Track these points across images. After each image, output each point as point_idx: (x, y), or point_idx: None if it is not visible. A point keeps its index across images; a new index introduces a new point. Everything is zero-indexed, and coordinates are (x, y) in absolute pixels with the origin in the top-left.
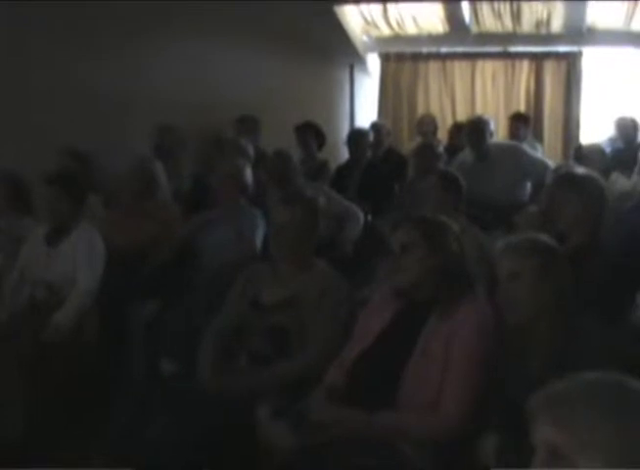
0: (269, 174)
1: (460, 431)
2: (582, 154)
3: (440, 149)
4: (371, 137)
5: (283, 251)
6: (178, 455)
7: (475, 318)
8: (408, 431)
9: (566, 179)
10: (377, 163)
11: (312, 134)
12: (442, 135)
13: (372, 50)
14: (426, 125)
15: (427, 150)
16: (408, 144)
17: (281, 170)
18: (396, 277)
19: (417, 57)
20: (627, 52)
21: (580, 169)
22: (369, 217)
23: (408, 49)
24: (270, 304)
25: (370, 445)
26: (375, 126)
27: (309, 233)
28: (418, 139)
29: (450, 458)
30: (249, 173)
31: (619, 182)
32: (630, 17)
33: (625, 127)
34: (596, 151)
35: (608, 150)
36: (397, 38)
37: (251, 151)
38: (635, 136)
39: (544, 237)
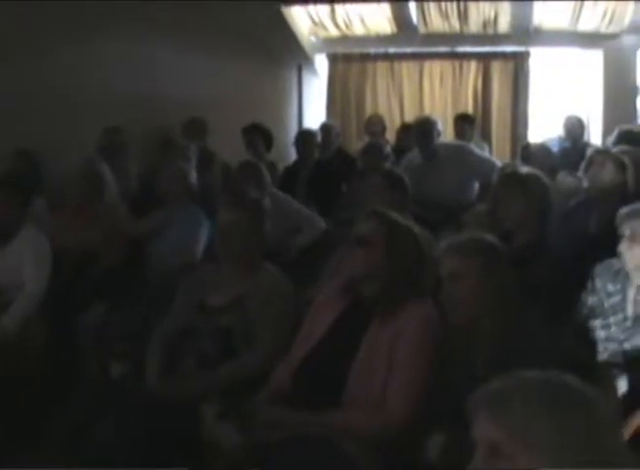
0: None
1: (405, 429)
2: (529, 153)
3: (388, 149)
4: (319, 138)
5: (229, 252)
6: (126, 456)
7: (420, 317)
8: (353, 430)
9: (511, 178)
10: (325, 163)
11: (260, 135)
12: (391, 135)
13: (320, 51)
14: (374, 126)
15: (374, 150)
16: (356, 144)
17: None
18: (349, 269)
19: (365, 57)
20: (574, 52)
21: (525, 168)
22: None
23: (356, 50)
24: (217, 305)
25: (315, 444)
26: (324, 127)
27: (255, 235)
28: (366, 139)
29: (395, 457)
30: (193, 176)
31: (566, 181)
32: (576, 17)
33: (572, 126)
34: (543, 150)
35: (555, 149)
36: (345, 39)
37: (194, 153)
38: (582, 135)
39: (487, 236)
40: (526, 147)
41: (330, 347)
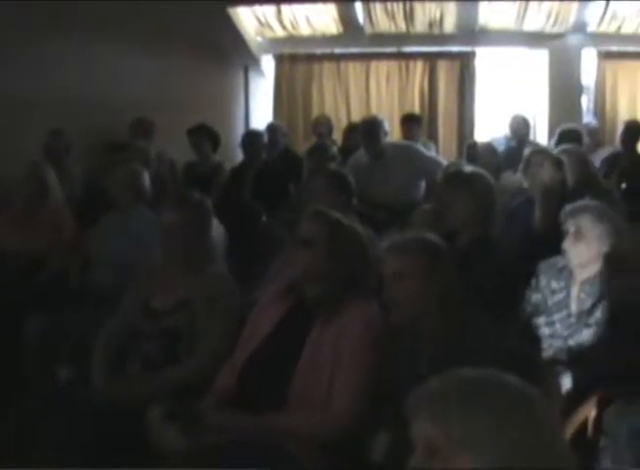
0: None
1: (350, 429)
2: (475, 152)
3: (334, 149)
4: (266, 138)
5: (173, 253)
6: (72, 460)
7: (363, 317)
8: (298, 431)
9: (455, 177)
10: (272, 164)
11: (206, 136)
12: (338, 135)
13: (266, 51)
14: (321, 126)
15: (320, 150)
16: (304, 145)
17: None
18: (292, 271)
19: (311, 58)
20: (519, 52)
21: (469, 167)
22: (264, 218)
23: (302, 50)
24: (161, 308)
25: (259, 446)
26: (270, 127)
27: (200, 235)
28: (313, 140)
29: (341, 457)
30: (146, 178)
31: (511, 180)
32: (522, 17)
33: (518, 126)
34: (488, 149)
35: (501, 148)
36: (291, 39)
37: (148, 154)
38: (527, 134)
39: (430, 236)
40: (472, 146)
41: (274, 348)
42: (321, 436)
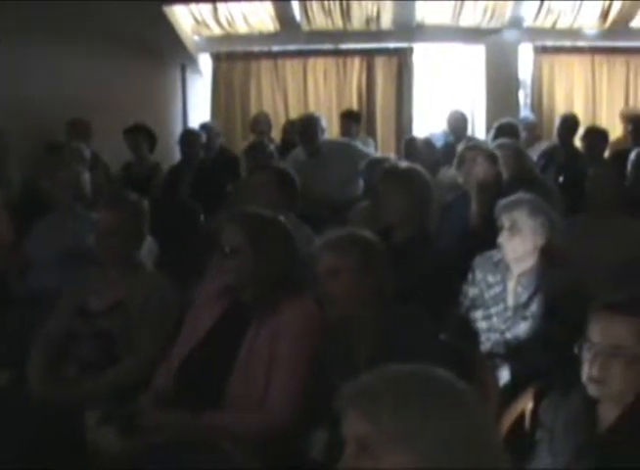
0: None
1: (287, 427)
2: (413, 148)
3: (271, 147)
4: (204, 138)
5: (108, 254)
6: (8, 463)
7: (299, 316)
8: (236, 430)
9: (390, 174)
10: (209, 163)
11: (143, 136)
12: (276, 133)
13: (203, 50)
14: (259, 124)
15: (257, 149)
16: (242, 143)
17: None
18: (223, 277)
19: (248, 56)
20: (456, 47)
21: (404, 163)
22: (202, 218)
23: (239, 48)
24: (97, 309)
25: (195, 446)
26: (205, 127)
27: (135, 236)
28: (252, 138)
29: (279, 455)
30: (87, 179)
31: (449, 175)
32: (458, 12)
33: (456, 121)
34: (426, 145)
35: (440, 143)
36: (228, 37)
37: (87, 155)
38: (465, 129)
39: (364, 232)
40: (410, 142)
41: (211, 347)
42: (258, 434)
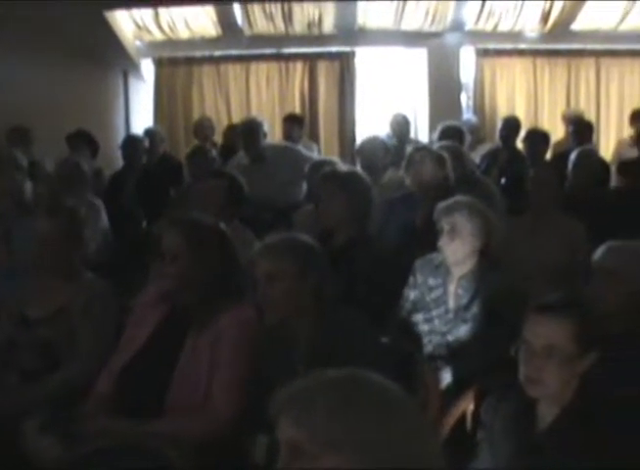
0: None
1: (228, 431)
2: (360, 151)
3: (213, 152)
4: (146, 143)
5: (47, 262)
6: None
7: (238, 320)
8: (177, 435)
9: (329, 177)
10: (152, 168)
11: (85, 142)
12: (220, 138)
13: (145, 55)
14: (202, 129)
15: (199, 154)
16: (186, 148)
17: None
18: (163, 282)
19: (191, 61)
20: (398, 51)
21: (344, 167)
22: (144, 224)
23: (182, 53)
24: (38, 317)
25: (136, 453)
26: (148, 132)
27: (73, 244)
28: (195, 143)
29: (221, 460)
30: (28, 187)
31: (394, 178)
32: (400, 16)
33: (398, 124)
34: (373, 148)
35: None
36: (170, 42)
37: (25, 163)
38: (408, 132)
39: (302, 236)
40: (358, 145)
41: (152, 353)
42: (200, 439)
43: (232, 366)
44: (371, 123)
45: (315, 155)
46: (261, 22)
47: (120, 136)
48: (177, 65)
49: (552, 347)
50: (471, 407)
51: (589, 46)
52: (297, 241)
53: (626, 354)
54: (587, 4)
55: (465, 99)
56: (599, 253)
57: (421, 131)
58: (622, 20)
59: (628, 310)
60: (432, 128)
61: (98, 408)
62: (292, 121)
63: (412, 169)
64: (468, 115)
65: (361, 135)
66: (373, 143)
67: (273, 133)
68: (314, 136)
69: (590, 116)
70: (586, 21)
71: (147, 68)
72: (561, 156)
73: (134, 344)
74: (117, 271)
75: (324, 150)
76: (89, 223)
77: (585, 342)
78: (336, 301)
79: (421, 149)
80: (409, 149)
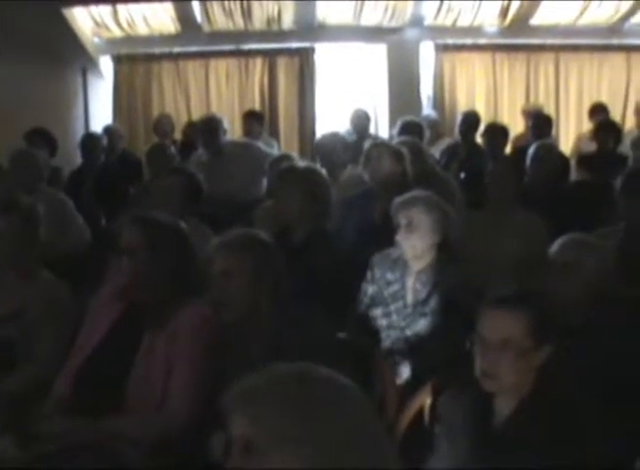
0: None
1: (186, 429)
2: (319, 147)
3: (172, 149)
4: (104, 141)
5: (3, 261)
6: None
7: (194, 317)
8: (136, 433)
9: (286, 173)
10: (111, 166)
11: (42, 140)
12: (180, 135)
13: (104, 52)
14: (161, 126)
15: (158, 151)
16: (145, 146)
17: None
18: (120, 279)
19: (150, 58)
20: (358, 46)
21: (302, 163)
22: (104, 221)
23: (141, 50)
24: None
25: (93, 451)
26: (107, 130)
27: (29, 241)
28: (155, 140)
29: (180, 458)
30: None
31: (353, 173)
32: (359, 12)
33: (358, 120)
34: (332, 144)
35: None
36: (129, 39)
37: None
38: (368, 128)
39: (258, 233)
40: (318, 141)
41: (108, 351)
42: (159, 436)
43: (190, 364)
44: (331, 119)
45: (275, 151)
46: (220, 18)
47: (79, 134)
48: (136, 62)
49: (506, 340)
50: (428, 402)
51: (548, 41)
52: (252, 237)
53: (583, 347)
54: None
55: (425, 94)
56: (555, 246)
57: (381, 127)
58: (581, 14)
59: (585, 303)
60: (392, 124)
61: (56, 409)
62: (251, 118)
63: (370, 165)
64: (428, 110)
65: (321, 131)
66: (332, 139)
67: (233, 130)
68: (274, 132)
69: (549, 110)
70: (545, 15)
71: (106, 65)
72: (520, 150)
73: (91, 342)
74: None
75: (284, 146)
76: (54, 219)
77: (540, 335)
78: (292, 296)
79: (378, 145)
80: (366, 145)
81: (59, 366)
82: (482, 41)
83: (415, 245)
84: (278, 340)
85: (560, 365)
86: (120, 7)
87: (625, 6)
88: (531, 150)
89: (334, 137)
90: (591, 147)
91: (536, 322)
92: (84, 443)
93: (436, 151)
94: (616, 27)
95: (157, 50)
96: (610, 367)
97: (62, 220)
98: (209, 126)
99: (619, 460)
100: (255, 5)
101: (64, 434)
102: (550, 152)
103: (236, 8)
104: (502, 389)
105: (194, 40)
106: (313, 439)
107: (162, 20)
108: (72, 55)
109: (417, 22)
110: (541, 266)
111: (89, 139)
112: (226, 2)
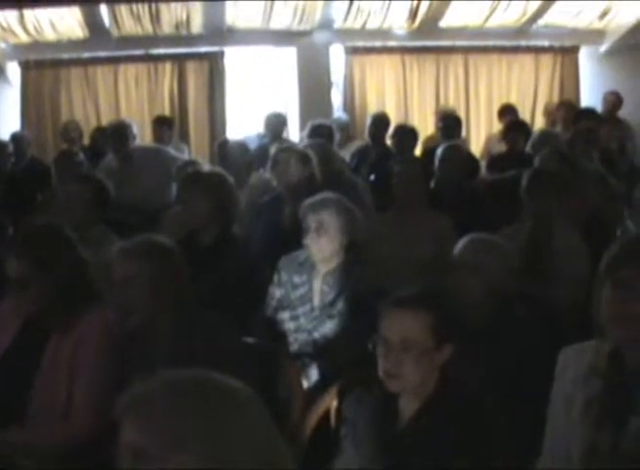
0: None
1: (90, 438)
2: (225, 150)
3: (81, 156)
4: (11, 148)
5: None
6: None
7: (97, 324)
8: (39, 444)
9: (190, 178)
10: (19, 173)
11: None
12: (88, 141)
13: (11, 58)
14: (69, 132)
15: (65, 157)
16: (54, 152)
17: None
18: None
19: (58, 63)
20: (268, 50)
21: (206, 167)
22: (10, 230)
23: (48, 55)
24: None
25: None
26: (15, 137)
27: None
28: (63, 146)
29: (85, 466)
30: None
31: (263, 177)
32: (268, 15)
33: (271, 122)
34: (239, 147)
35: (254, 145)
36: (37, 45)
37: None
38: (281, 131)
39: (160, 238)
40: (223, 145)
41: (11, 364)
42: (60, 448)
43: (93, 372)
44: (242, 123)
45: (185, 156)
46: (129, 22)
47: None
48: (44, 67)
49: (407, 340)
50: (334, 404)
51: (457, 43)
52: (152, 244)
53: (487, 347)
54: (454, 2)
55: (335, 97)
56: (459, 246)
57: (292, 130)
58: (489, 16)
59: (489, 303)
60: (302, 127)
61: None
62: (161, 123)
63: (277, 170)
64: (338, 112)
65: (232, 135)
66: (234, 143)
67: (143, 135)
68: (184, 137)
69: (460, 111)
70: (454, 18)
71: (13, 71)
72: (429, 151)
73: None
74: None
75: (194, 151)
76: None
77: (442, 334)
78: (196, 301)
79: (285, 149)
80: (272, 150)
81: None
82: (392, 43)
83: (324, 247)
84: (182, 345)
85: (464, 365)
86: (27, 12)
87: (533, 8)
88: (439, 151)
89: (236, 142)
90: (501, 147)
91: (437, 321)
92: None
93: (347, 153)
94: (523, 29)
95: (65, 55)
96: (513, 367)
97: None
98: (118, 132)
99: (524, 461)
100: (164, 9)
101: None
102: (458, 152)
103: (144, 12)
104: (406, 389)
105: (102, 45)
106: (204, 442)
107: (70, 24)
108: None
109: (326, 24)
110: (447, 267)
111: None
112: (134, 6)
